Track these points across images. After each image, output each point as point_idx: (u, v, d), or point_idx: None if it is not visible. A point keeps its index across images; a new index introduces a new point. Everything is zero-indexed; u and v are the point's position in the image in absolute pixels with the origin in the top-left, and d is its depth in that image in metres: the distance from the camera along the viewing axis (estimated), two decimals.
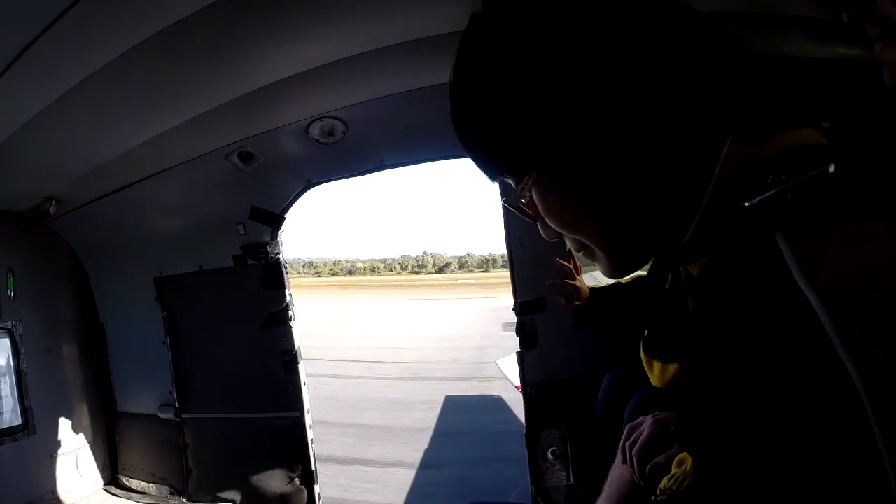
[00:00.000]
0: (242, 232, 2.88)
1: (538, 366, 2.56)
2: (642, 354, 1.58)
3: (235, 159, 2.61)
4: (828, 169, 0.45)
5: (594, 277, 2.85)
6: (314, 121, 2.45)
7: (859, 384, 0.35)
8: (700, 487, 0.61)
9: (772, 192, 0.46)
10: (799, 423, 0.39)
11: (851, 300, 0.38)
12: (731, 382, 0.45)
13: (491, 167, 0.65)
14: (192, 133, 2.37)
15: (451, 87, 0.64)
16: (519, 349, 2.59)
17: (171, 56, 1.83)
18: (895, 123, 0.76)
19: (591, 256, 0.65)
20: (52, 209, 2.84)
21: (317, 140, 2.52)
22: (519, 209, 0.68)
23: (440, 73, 2.28)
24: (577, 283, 2.24)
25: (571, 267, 2.26)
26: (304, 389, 3.02)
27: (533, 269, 2.51)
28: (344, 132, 2.49)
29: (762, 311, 0.42)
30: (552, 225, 0.63)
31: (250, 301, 2.99)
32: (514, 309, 2.57)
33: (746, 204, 0.47)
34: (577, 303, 2.24)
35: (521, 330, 2.56)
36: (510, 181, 0.64)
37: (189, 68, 1.95)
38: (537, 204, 0.62)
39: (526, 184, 0.61)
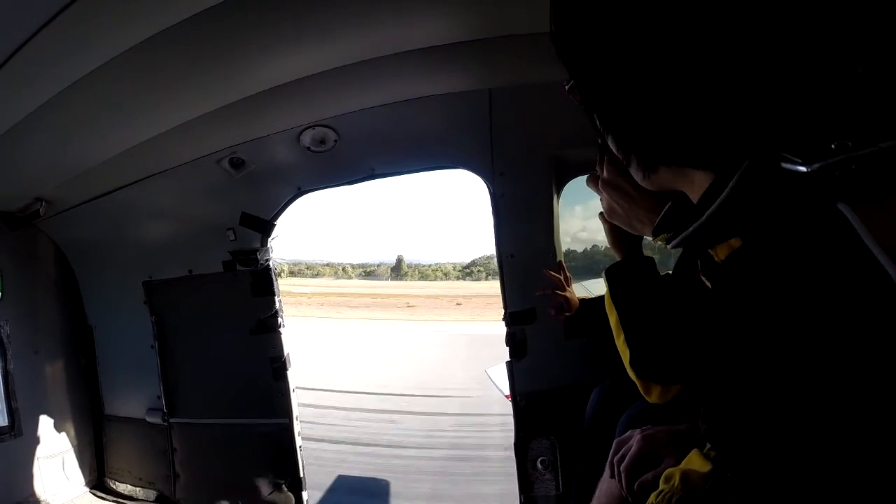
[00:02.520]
0: (232, 238, 2.87)
1: (528, 376, 2.57)
2: (637, 380, 1.49)
3: (226, 165, 2.61)
4: (889, 143, 0.43)
5: (585, 288, 2.87)
6: (306, 129, 2.45)
7: None
8: (731, 484, 0.58)
9: (837, 158, 0.44)
10: (879, 398, 0.38)
11: None
12: (792, 362, 0.43)
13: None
14: (184, 138, 2.36)
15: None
16: (509, 359, 2.59)
17: (164, 61, 1.84)
18: None
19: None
20: (41, 210, 2.83)
21: (308, 148, 2.52)
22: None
23: (433, 84, 2.30)
24: (567, 294, 2.24)
25: (561, 278, 2.27)
26: (293, 396, 3.00)
27: (523, 279, 2.51)
28: (335, 141, 2.49)
29: (829, 282, 0.41)
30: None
31: (239, 307, 2.98)
32: (504, 319, 2.58)
33: (805, 169, 0.45)
34: (566, 314, 2.24)
35: (511, 340, 2.57)
36: None
37: (182, 73, 1.95)
38: None
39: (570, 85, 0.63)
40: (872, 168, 0.43)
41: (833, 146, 0.44)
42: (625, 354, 1.48)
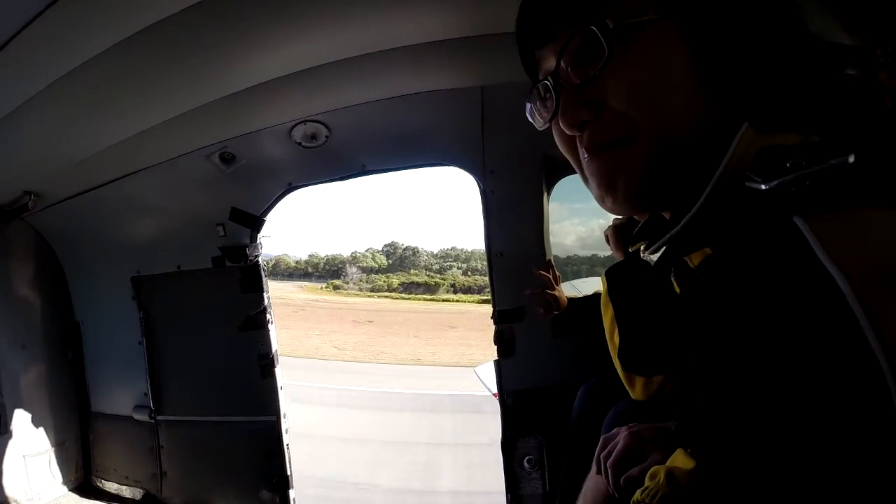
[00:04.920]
0: (222, 233, 2.86)
1: (515, 374, 2.57)
2: (620, 371, 1.59)
3: (217, 160, 2.60)
4: (847, 160, 0.48)
5: (574, 287, 2.87)
6: (297, 124, 2.45)
7: (878, 350, 0.38)
8: (701, 486, 0.61)
9: (791, 176, 0.49)
10: (822, 398, 0.41)
11: (869, 273, 0.41)
12: (750, 364, 0.46)
13: None
14: (174, 132, 2.35)
15: None
16: (496, 357, 2.60)
17: (155, 54, 1.83)
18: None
19: (607, 164, 0.62)
20: (30, 203, 2.81)
21: (299, 143, 2.52)
22: (575, 59, 0.62)
23: (425, 81, 2.30)
24: (556, 293, 2.27)
25: (550, 277, 2.29)
26: (281, 393, 2.99)
27: (512, 278, 2.52)
28: (327, 136, 2.49)
29: (783, 289, 0.44)
30: (624, 83, 0.58)
31: (228, 303, 2.97)
32: (492, 317, 2.59)
33: (764, 187, 0.50)
34: (555, 312, 2.27)
35: (500, 338, 2.57)
36: (608, 20, 0.58)
37: (173, 67, 1.94)
38: (635, 54, 0.58)
39: (634, 19, 0.58)
40: (823, 183, 0.48)
41: (788, 164, 0.49)
42: (614, 348, 1.55)
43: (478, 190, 2.55)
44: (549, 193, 2.54)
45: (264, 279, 2.96)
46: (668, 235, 0.59)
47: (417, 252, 57.91)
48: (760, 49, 0.57)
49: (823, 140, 0.55)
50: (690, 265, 0.62)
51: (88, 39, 1.73)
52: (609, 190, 0.62)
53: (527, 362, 2.56)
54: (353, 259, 54.82)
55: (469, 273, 51.36)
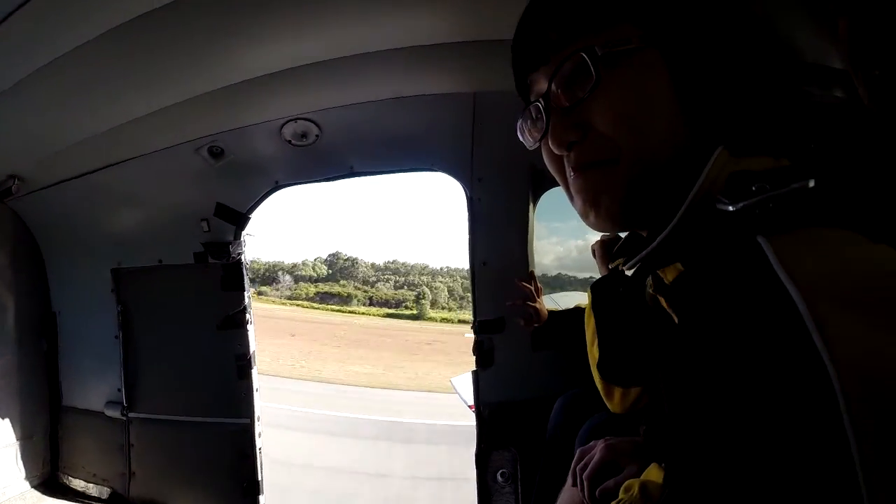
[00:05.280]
0: (206, 229, 2.81)
1: (493, 386, 2.54)
2: (599, 381, 1.59)
3: (205, 153, 2.58)
4: (808, 184, 0.52)
5: (553, 301, 2.86)
6: (288, 122, 2.44)
7: (830, 367, 0.40)
8: (671, 499, 0.61)
9: (756, 199, 0.53)
10: (777, 413, 0.43)
11: (824, 291, 0.43)
12: (713, 377, 0.48)
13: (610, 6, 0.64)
14: (163, 122, 2.34)
15: None
16: (475, 368, 2.57)
17: (147, 42, 1.82)
18: (861, 159, 0.85)
19: (592, 182, 0.66)
20: (14, 188, 2.76)
21: (289, 141, 2.51)
22: (563, 82, 0.66)
23: (418, 84, 2.29)
24: (537, 306, 2.26)
25: (532, 289, 2.28)
26: (256, 396, 2.93)
27: (494, 288, 2.50)
28: (317, 135, 2.48)
29: (745, 304, 0.47)
30: (609, 108, 0.63)
31: (208, 300, 2.91)
32: (472, 327, 2.56)
33: (732, 208, 0.54)
34: (535, 325, 2.26)
35: (479, 349, 2.54)
36: (597, 42, 0.63)
37: (164, 56, 1.93)
38: (620, 80, 0.62)
39: (620, 47, 0.62)
40: (785, 205, 0.52)
41: (754, 188, 0.53)
42: (594, 359, 1.61)
43: (464, 197, 2.53)
44: (534, 205, 2.54)
45: (246, 278, 2.92)
46: (643, 252, 0.63)
47: (356, 263, 58.70)
48: (736, 79, 0.63)
49: (792, 164, 0.60)
50: (665, 281, 0.66)
51: (83, 23, 1.72)
52: (593, 206, 0.66)
53: (505, 374, 2.53)
54: (293, 267, 55.10)
55: (406, 287, 52.65)
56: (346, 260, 58.88)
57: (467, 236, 2.55)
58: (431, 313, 46.17)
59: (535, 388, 2.45)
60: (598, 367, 1.59)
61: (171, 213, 2.86)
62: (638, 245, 0.71)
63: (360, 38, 1.96)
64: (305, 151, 2.55)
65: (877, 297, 0.43)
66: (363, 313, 43.57)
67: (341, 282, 53.80)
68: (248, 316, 2.92)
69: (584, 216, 0.69)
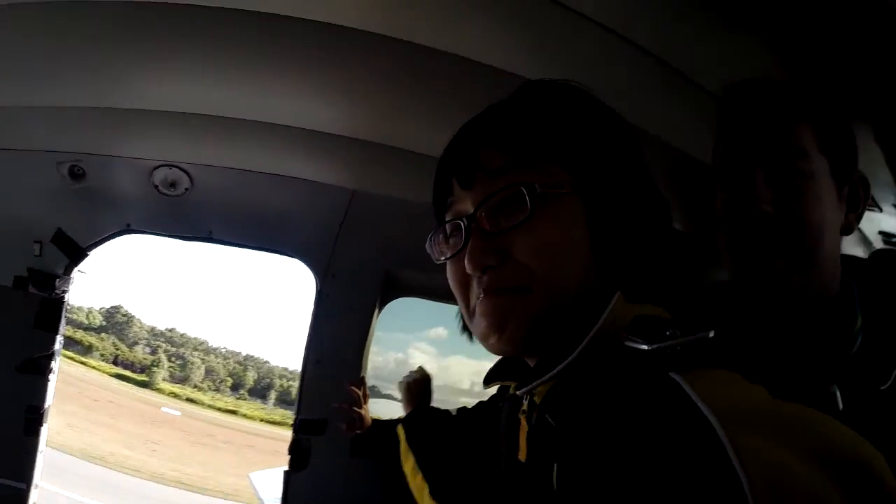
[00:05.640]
0: (37, 253, 2.52)
1: (306, 490, 2.35)
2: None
3: (65, 171, 2.42)
4: (709, 334, 0.62)
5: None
6: (163, 166, 2.39)
7: (742, 477, 0.47)
8: None
9: (669, 342, 0.61)
10: None
11: (733, 416, 0.51)
12: (627, 485, 0.53)
13: (552, 146, 0.73)
14: (30, 121, 2.22)
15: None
16: (287, 467, 2.38)
17: (34, 31, 1.75)
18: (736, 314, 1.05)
19: (502, 307, 0.72)
20: None
21: (156, 186, 2.43)
22: (493, 209, 0.73)
23: (299, 166, 2.32)
24: (363, 412, 2.19)
25: (361, 395, 2.22)
26: (40, 458, 2.43)
27: (323, 388, 2.39)
28: (187, 189, 2.42)
29: (662, 428, 0.54)
30: (533, 241, 0.70)
31: (13, 335, 2.50)
32: (293, 424, 2.42)
33: (647, 347, 0.62)
34: (357, 431, 2.18)
35: (295, 448, 2.38)
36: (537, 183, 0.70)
37: (50, 53, 1.88)
38: (549, 218, 0.70)
39: (555, 189, 0.71)
40: (691, 349, 0.61)
41: (668, 333, 0.62)
42: (423, 489, 1.57)
43: (314, 290, 2.50)
44: (380, 311, 2.54)
45: (63, 320, 2.58)
46: (547, 376, 0.68)
47: (132, 321, 59.42)
48: (639, 237, 0.73)
49: (679, 315, 0.71)
50: (534, 399, 0.73)
51: None
52: (497, 329, 0.72)
53: (320, 479, 2.36)
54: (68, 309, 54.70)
55: (172, 358, 54.89)
56: (123, 315, 59.69)
57: (307, 331, 2.48)
58: (162, 384, 49.67)
59: (352, 497, 2.33)
60: (433, 495, 1.53)
61: (2, 223, 2.56)
62: (518, 371, 0.80)
63: (251, 104, 2.02)
64: (169, 202, 2.46)
65: (771, 424, 0.52)
66: (94, 367, 44.38)
67: (102, 335, 54.14)
68: (53, 364, 2.52)
69: (485, 337, 0.74)
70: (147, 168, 2.41)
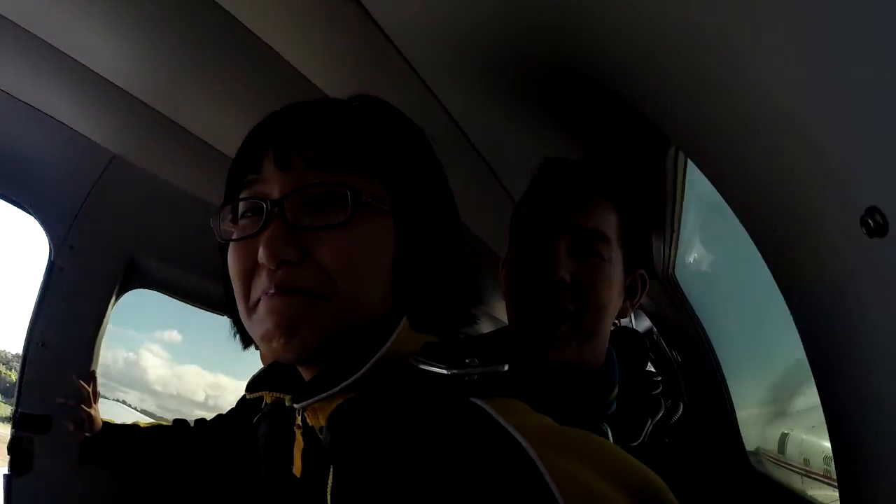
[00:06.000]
0: None
1: (30, 497, 2.02)
2: None
3: None
4: (503, 367, 0.65)
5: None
6: None
7: (558, 495, 0.49)
8: None
9: (468, 370, 0.64)
10: None
11: (536, 436, 0.54)
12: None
13: (366, 155, 0.69)
14: None
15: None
16: (7, 471, 2.02)
17: None
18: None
19: (294, 309, 0.65)
20: None
21: None
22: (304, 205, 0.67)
23: (62, 105, 1.84)
24: (93, 412, 1.93)
25: (91, 392, 1.96)
26: None
27: (48, 378, 2.05)
28: None
29: (469, 449, 0.55)
30: (342, 247, 0.65)
31: None
32: (12, 418, 2.07)
33: (446, 372, 0.63)
34: (87, 433, 1.92)
35: (16, 447, 2.03)
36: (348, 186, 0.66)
37: None
38: (364, 228, 0.66)
39: (377, 204, 0.68)
40: (489, 378, 0.64)
41: (467, 360, 0.64)
42: None
43: (46, 259, 2.10)
44: (116, 300, 2.25)
45: None
46: (333, 390, 0.64)
47: None
48: (438, 271, 0.73)
49: (490, 349, 0.71)
50: (314, 420, 0.69)
51: None
52: (286, 332, 0.64)
53: (48, 485, 2.05)
54: None
55: None
56: None
57: (33, 304, 2.10)
58: None
59: None
60: None
61: None
62: (285, 381, 0.76)
63: (33, 6, 1.56)
64: None
65: (572, 446, 0.55)
66: None
67: None
68: None
69: (268, 339, 0.66)
70: None
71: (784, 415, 2.52)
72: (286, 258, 0.64)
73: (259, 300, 0.67)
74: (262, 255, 0.64)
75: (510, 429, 0.54)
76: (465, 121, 1.54)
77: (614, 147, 1.62)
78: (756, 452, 2.60)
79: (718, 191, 1.15)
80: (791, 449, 2.27)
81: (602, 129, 1.53)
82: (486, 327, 1.66)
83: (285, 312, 0.64)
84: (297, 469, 0.73)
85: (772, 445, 2.48)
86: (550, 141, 1.59)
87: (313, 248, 0.65)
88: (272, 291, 0.65)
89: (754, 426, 2.70)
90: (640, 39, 0.99)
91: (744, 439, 2.58)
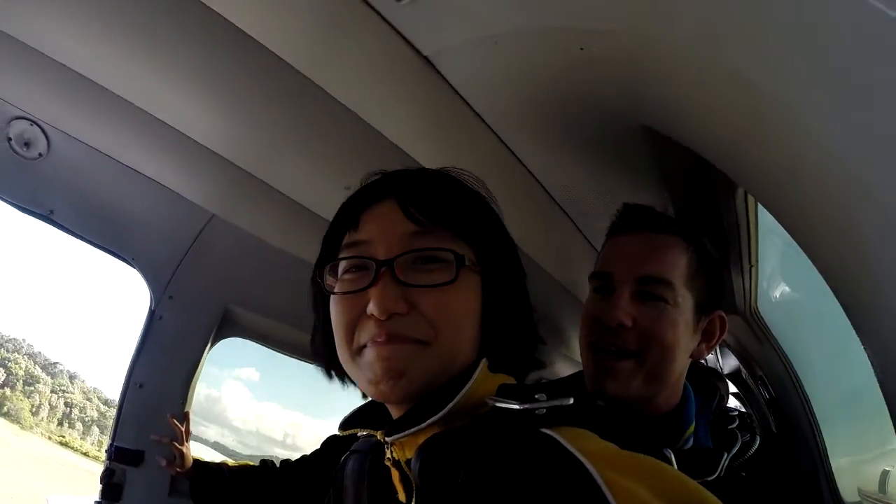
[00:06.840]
0: None
1: None
2: None
3: None
4: (569, 401, 0.71)
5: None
6: (24, 119, 2.06)
7: None
8: None
9: (537, 405, 0.70)
10: None
11: (603, 463, 0.60)
12: None
13: (463, 230, 0.81)
14: None
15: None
16: (99, 499, 2.10)
17: None
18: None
19: (401, 355, 0.74)
20: None
21: (10, 139, 2.09)
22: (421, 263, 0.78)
23: (166, 171, 2.02)
24: (185, 450, 2.02)
25: (183, 430, 2.06)
26: None
27: (143, 416, 2.16)
28: (41, 154, 2.08)
29: (541, 472, 0.62)
30: (444, 301, 0.76)
31: None
32: (107, 450, 2.16)
33: (518, 407, 0.70)
34: (178, 469, 2.01)
35: (108, 478, 2.12)
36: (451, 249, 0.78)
37: None
38: (461, 286, 0.78)
39: (473, 265, 0.80)
40: (555, 411, 0.70)
41: (536, 396, 0.71)
42: None
43: (147, 309, 2.25)
44: (211, 347, 2.35)
45: None
46: (423, 424, 0.73)
47: None
48: (516, 322, 0.84)
49: (543, 385, 0.77)
50: (399, 454, 0.78)
51: None
52: (394, 376, 0.73)
53: None
54: None
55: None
56: None
57: (133, 351, 2.22)
58: None
59: None
60: None
61: None
62: (374, 419, 0.86)
63: (135, 83, 1.73)
64: (17, 163, 2.10)
65: (631, 468, 0.60)
66: None
67: None
68: None
69: (374, 383, 0.75)
70: (5, 115, 2.07)
71: (884, 454, 2.39)
72: (396, 311, 0.73)
73: (364, 346, 0.76)
74: (373, 308, 0.73)
75: (575, 452, 0.61)
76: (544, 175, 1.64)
77: (686, 190, 1.64)
78: (858, 493, 2.48)
79: (784, 227, 1.20)
80: (893, 487, 2.28)
81: (673, 174, 1.57)
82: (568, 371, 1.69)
83: (394, 358, 0.74)
84: (401, 496, 0.80)
85: (873, 486, 2.35)
86: (623, 188, 1.62)
87: (418, 303, 0.74)
88: (382, 339, 0.74)
89: (852, 469, 2.56)
90: (706, 98, 1.08)
91: (840, 483, 2.46)
